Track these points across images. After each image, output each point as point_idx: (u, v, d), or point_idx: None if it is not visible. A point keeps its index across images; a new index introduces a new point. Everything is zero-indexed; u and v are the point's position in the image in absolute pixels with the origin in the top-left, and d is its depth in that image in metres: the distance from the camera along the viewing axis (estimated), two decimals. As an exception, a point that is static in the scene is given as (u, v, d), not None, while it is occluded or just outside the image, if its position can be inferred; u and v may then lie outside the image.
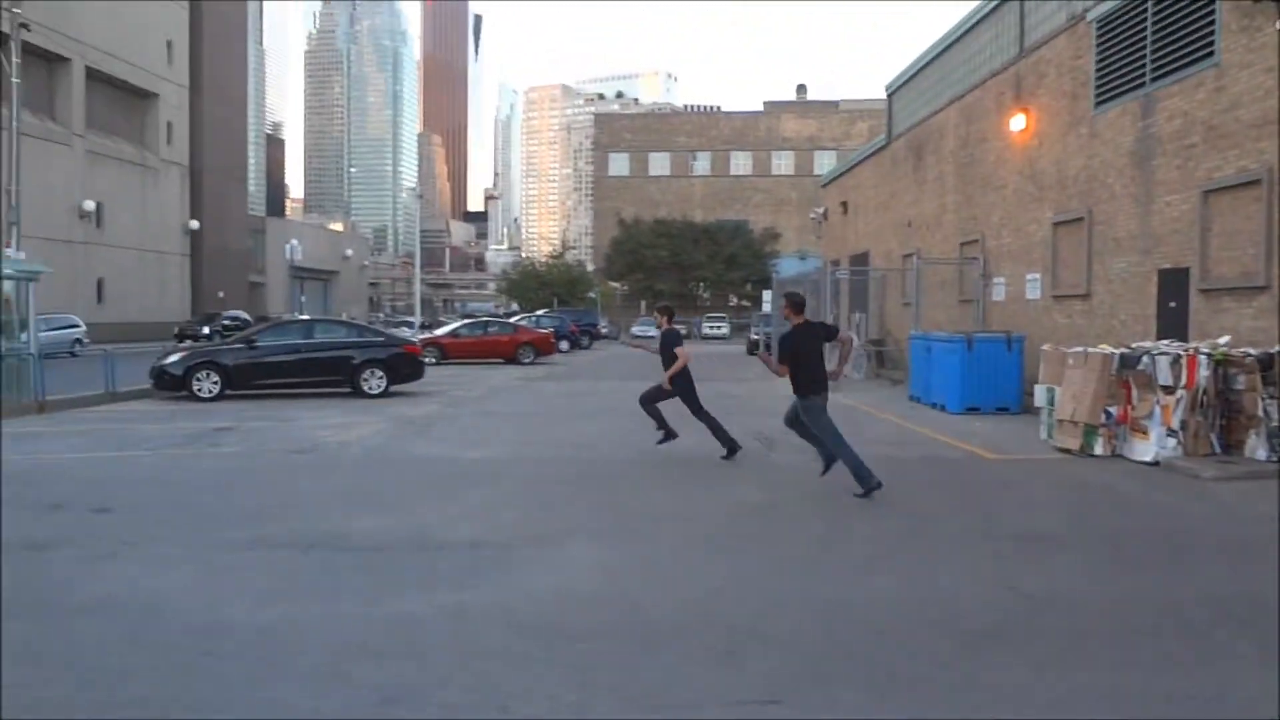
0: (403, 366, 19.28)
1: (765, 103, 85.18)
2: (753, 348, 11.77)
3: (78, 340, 33.97)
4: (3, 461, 10.30)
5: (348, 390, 18.81)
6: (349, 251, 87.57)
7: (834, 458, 8.77)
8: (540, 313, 49.34)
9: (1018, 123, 18.39)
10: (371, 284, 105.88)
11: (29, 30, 24.14)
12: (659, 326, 11.62)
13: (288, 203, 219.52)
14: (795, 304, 9.03)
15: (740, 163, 77.90)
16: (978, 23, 21.02)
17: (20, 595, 5.59)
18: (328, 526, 7.52)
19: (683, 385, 10.89)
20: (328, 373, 18.77)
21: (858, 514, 8.01)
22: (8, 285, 16.79)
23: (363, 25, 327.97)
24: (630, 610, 5.42)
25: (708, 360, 25.95)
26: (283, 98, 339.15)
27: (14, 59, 22.76)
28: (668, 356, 10.94)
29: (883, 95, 28.45)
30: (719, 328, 60.67)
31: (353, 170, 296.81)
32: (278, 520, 7.72)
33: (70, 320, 34.78)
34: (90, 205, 44.33)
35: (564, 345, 38.16)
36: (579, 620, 5.22)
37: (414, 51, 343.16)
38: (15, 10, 23.05)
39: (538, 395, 20.25)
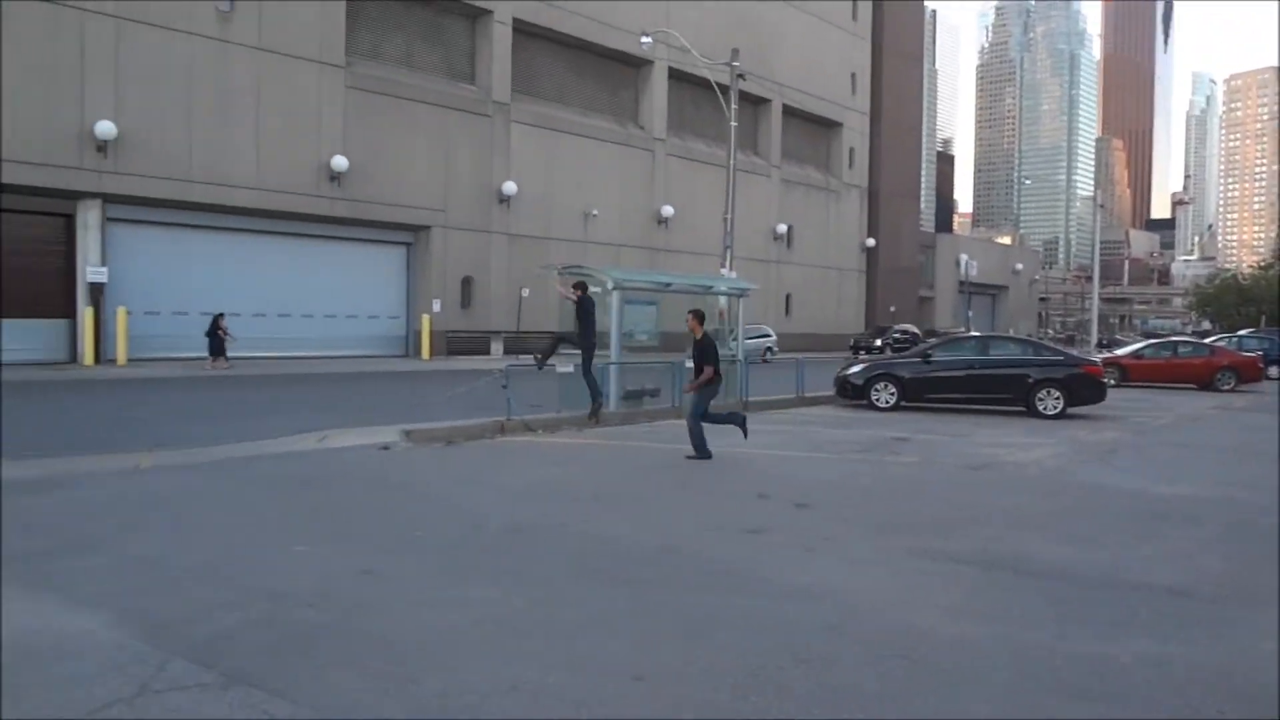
0: (1082, 388, 18.29)
1: None
2: None
3: (769, 349, 38.30)
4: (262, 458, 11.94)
5: (1021, 409, 18.42)
6: (1018, 265, 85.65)
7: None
8: (1243, 332, 43.30)
9: None
10: (1041, 299, 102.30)
11: (744, 80, 27.83)
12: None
13: (956, 218, 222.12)
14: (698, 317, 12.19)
15: None
16: None
17: (735, 572, 6.45)
18: (1009, 547, 7.41)
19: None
20: (1001, 390, 18.58)
21: None
22: (723, 300, 19.57)
23: (1037, 31, 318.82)
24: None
25: None
26: (952, 115, 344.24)
27: (733, 105, 26.42)
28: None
29: None
30: None
31: (1026, 181, 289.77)
32: (959, 535, 7.82)
33: (764, 330, 39.37)
34: (783, 228, 49.63)
35: (1273, 371, 32.94)
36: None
37: (1093, 52, 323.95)
38: (735, 64, 26.75)
39: (1241, 427, 17.74)
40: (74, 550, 6.73)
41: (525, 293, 35.32)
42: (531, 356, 15.77)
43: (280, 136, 29.48)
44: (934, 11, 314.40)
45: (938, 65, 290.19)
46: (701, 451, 11.71)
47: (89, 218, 26.19)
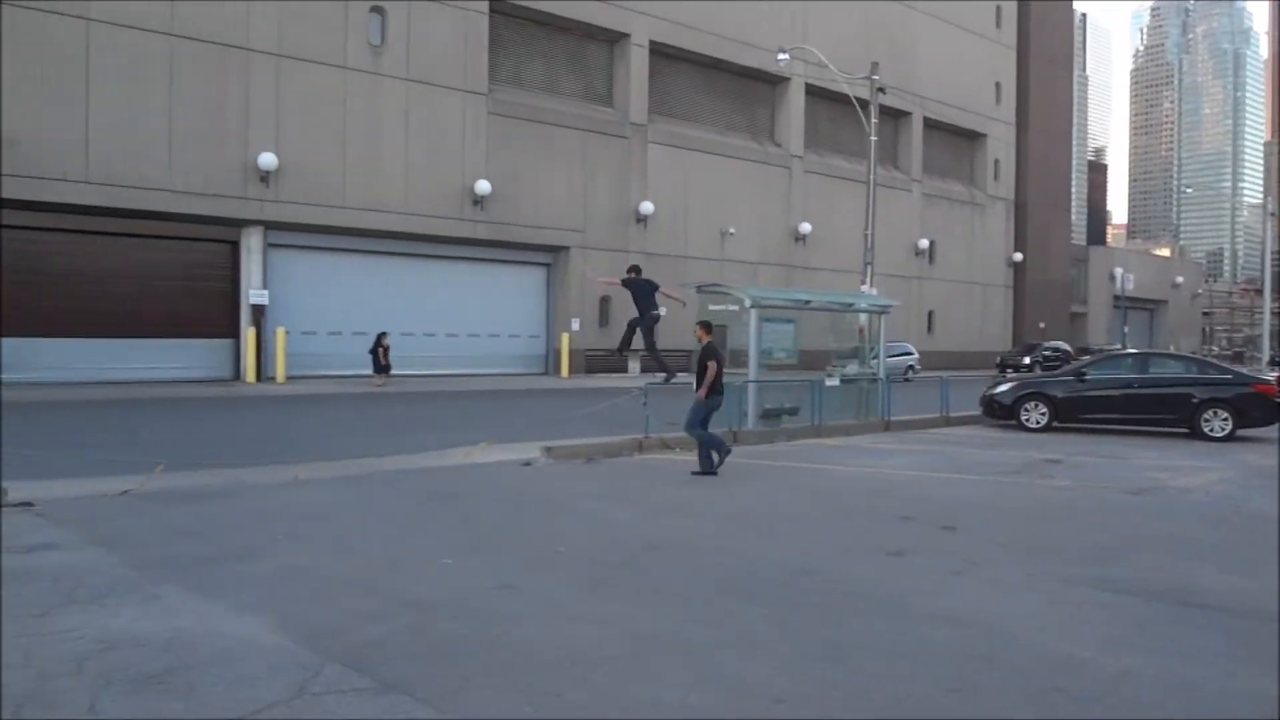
0: (1252, 408, 17.12)
1: None
2: None
3: (910, 367, 37.38)
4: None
5: (1184, 431, 17.39)
6: (1179, 279, 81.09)
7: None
8: None
9: None
10: (1205, 314, 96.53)
11: (884, 93, 27.36)
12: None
13: (1109, 230, 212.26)
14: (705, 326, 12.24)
15: None
16: None
17: (878, 595, 6.28)
18: (1174, 577, 6.99)
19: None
20: (1162, 411, 17.59)
21: None
22: (863, 317, 19.22)
23: (1196, 32, 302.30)
24: None
25: None
26: (1105, 122, 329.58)
27: (873, 119, 26.01)
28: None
29: None
30: None
31: (1187, 190, 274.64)
32: (1118, 562, 7.43)
33: (905, 348, 38.44)
34: (924, 243, 48.43)
35: None
36: None
37: (1260, 50, 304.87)
38: (875, 78, 26.34)
39: None
40: (238, 557, 7.10)
41: (662, 311, 35.37)
42: (660, 376, 15.87)
43: (426, 162, 30.58)
44: (1084, 15, 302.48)
45: (1088, 71, 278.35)
46: (706, 465, 11.58)
47: (252, 243, 27.78)
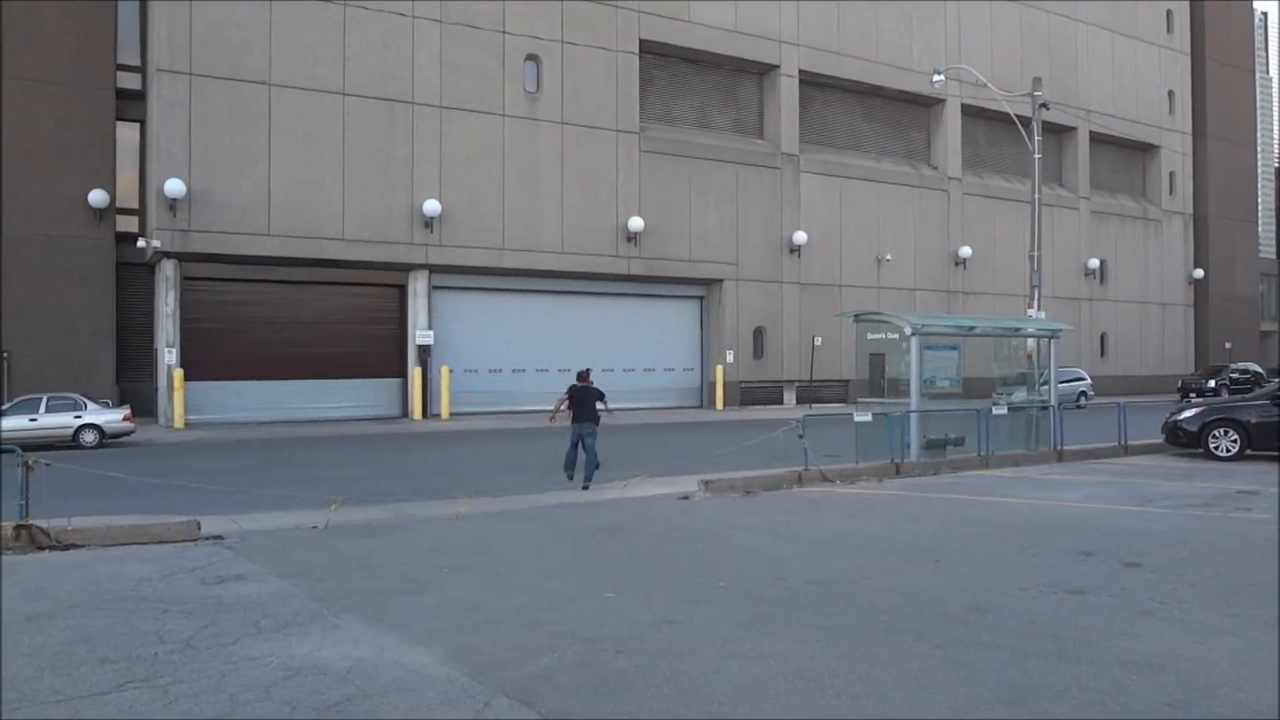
0: None
1: None
2: None
3: (1083, 393, 35.55)
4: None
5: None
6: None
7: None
8: None
9: None
10: None
11: (1047, 109, 26.32)
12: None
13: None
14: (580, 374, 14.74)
15: None
16: None
17: (1059, 636, 5.93)
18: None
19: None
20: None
21: None
22: (1031, 343, 18.41)
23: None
24: None
25: None
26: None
27: (1036, 137, 25.07)
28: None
29: None
30: None
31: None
32: (1332, 603, 6.78)
33: (1078, 374, 36.61)
34: (1094, 263, 46.11)
35: None
36: None
37: None
38: (1036, 94, 25.42)
39: None
40: (409, 590, 7.35)
41: (818, 341, 35.09)
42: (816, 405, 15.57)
43: (581, 202, 31.31)
44: (1264, 15, 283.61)
45: (1271, 73, 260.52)
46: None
47: (418, 287, 29.04)
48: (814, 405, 32.90)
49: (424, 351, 28.84)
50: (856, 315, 17.32)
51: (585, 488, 13.31)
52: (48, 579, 7.77)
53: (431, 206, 28.16)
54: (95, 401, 21.82)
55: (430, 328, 29.11)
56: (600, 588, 7.35)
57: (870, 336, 16.59)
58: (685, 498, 12.27)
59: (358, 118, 27.59)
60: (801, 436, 13.81)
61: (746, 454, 15.64)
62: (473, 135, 29.36)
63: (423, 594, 7.22)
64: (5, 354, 26.03)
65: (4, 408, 20.72)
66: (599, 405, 14.17)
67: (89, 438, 20.66)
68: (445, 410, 28.50)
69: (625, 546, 9.18)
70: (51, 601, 6.99)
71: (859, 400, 15.15)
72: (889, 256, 37.86)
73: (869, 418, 15.07)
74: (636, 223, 31.71)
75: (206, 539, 9.58)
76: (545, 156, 30.69)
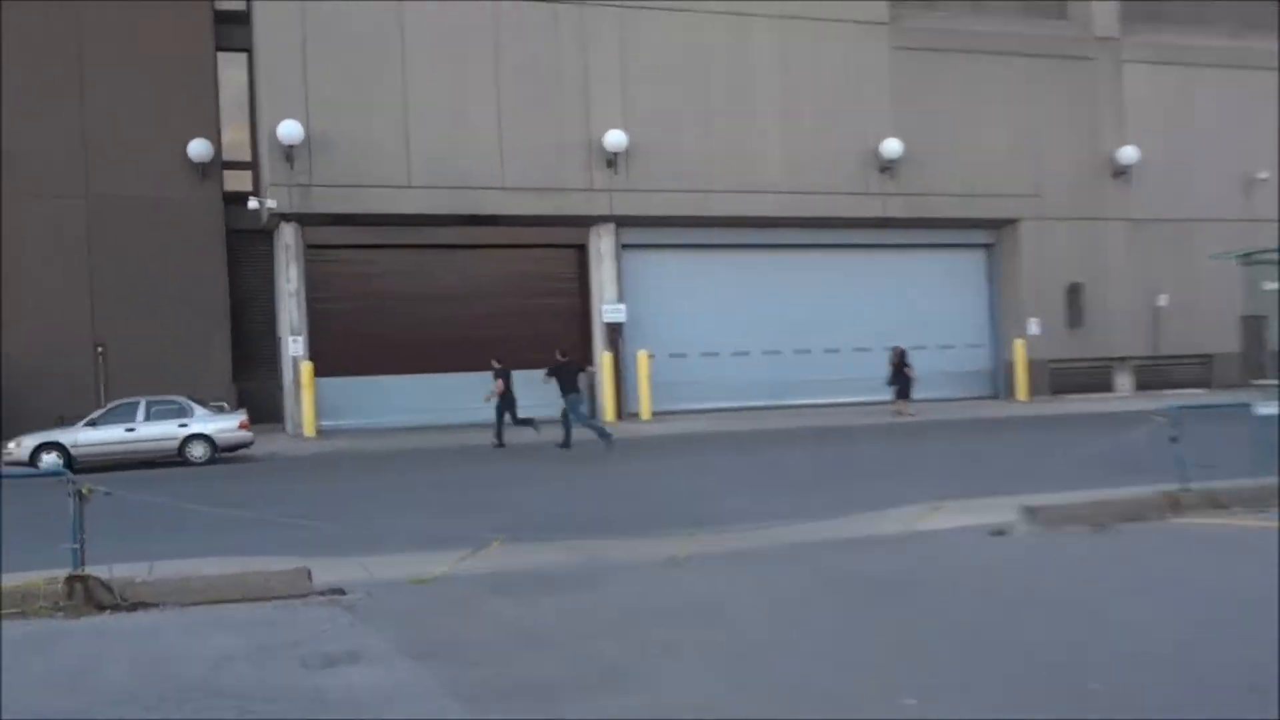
0: None
1: None
2: None
3: None
4: None
5: None
6: None
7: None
8: None
9: None
10: None
11: None
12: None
13: None
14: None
15: None
16: None
17: None
18: None
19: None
20: None
21: None
22: None
23: None
24: None
25: None
26: None
27: None
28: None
29: None
30: None
31: None
32: None
33: None
34: None
35: None
36: None
37: None
38: None
39: None
40: (601, 683, 6.48)
41: (1162, 300, 33.00)
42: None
43: (812, 123, 30.33)
44: None
45: None
46: None
47: (602, 246, 28.72)
48: (1169, 392, 30.48)
49: (613, 331, 28.69)
50: (1246, 254, 15.20)
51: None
52: (97, 656, 7.39)
53: (615, 139, 27.90)
54: (205, 405, 22.34)
55: (621, 300, 28.77)
56: (891, 687, 6.16)
57: (1267, 286, 14.58)
58: (1000, 533, 10.97)
59: (514, 27, 27.53)
60: (1174, 440, 12.09)
61: (1079, 465, 14.45)
62: (664, 41, 28.99)
63: (622, 691, 6.31)
64: (100, 348, 27.17)
65: (95, 415, 21.45)
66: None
67: (198, 451, 21.23)
68: (645, 409, 28.14)
69: (920, 614, 8.00)
70: (89, 695, 6.52)
71: (1253, 383, 13.19)
72: (1264, 175, 34.81)
73: (1275, 410, 13.12)
74: (892, 147, 30.58)
75: (321, 593, 9.09)
76: (761, 63, 30.08)
